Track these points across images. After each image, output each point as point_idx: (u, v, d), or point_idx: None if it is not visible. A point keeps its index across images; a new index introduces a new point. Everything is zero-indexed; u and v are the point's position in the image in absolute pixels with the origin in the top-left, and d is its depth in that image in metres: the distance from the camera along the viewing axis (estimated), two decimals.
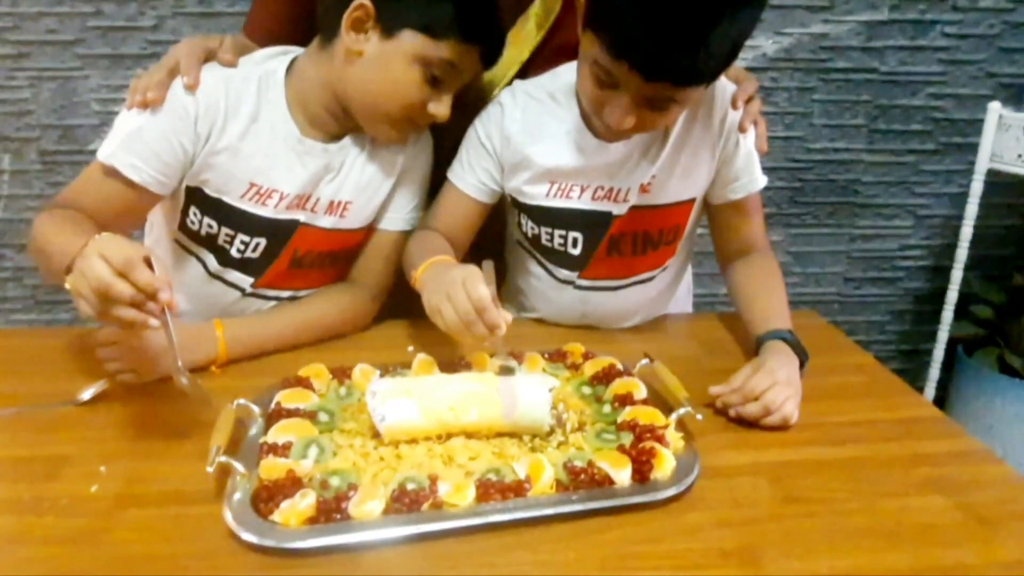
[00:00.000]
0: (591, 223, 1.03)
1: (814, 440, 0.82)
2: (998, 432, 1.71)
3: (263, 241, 1.01)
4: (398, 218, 1.08)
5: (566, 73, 1.00)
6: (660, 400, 0.86)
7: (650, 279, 1.10)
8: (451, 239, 1.04)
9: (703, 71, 0.83)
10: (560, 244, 1.05)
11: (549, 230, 1.05)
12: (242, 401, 0.81)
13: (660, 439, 0.76)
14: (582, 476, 0.70)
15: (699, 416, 0.79)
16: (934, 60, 1.78)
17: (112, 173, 0.93)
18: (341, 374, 0.90)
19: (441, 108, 0.96)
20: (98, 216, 0.91)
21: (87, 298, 0.72)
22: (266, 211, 0.99)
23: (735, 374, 0.87)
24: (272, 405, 0.82)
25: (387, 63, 0.93)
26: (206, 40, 0.99)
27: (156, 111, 0.93)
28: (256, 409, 0.81)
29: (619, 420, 0.81)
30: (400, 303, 1.17)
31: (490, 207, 1.08)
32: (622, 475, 0.71)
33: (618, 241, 1.04)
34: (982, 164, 1.62)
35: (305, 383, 0.86)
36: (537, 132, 1.01)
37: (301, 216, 1.01)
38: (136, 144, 0.92)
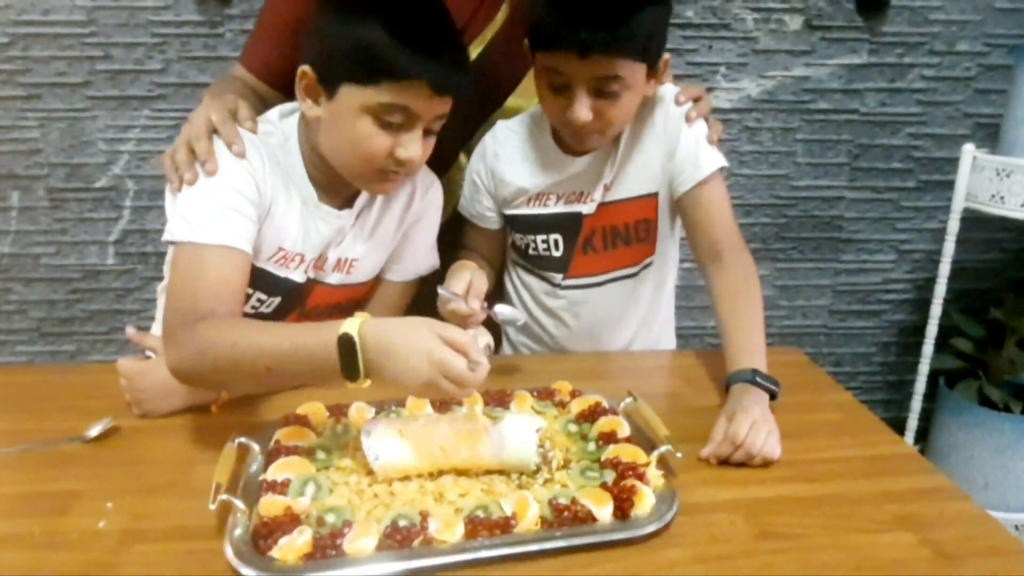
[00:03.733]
0: (565, 223, 1.15)
1: (790, 477, 0.86)
2: (979, 463, 1.74)
3: (278, 300, 1.04)
4: (406, 270, 1.13)
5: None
6: (643, 437, 0.89)
7: (630, 276, 1.18)
8: (482, 258, 1.20)
9: (623, 40, 0.95)
10: (544, 248, 1.17)
11: (533, 237, 1.18)
12: (243, 439, 0.84)
13: (641, 477, 0.79)
14: (566, 513, 0.74)
15: (679, 454, 0.83)
16: (912, 101, 1.85)
17: (221, 251, 0.89)
18: (338, 412, 0.93)
19: (409, 151, 0.93)
20: (236, 301, 0.90)
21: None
22: (287, 273, 1.02)
23: (715, 428, 0.90)
24: (271, 443, 0.85)
25: (339, 123, 0.93)
26: (225, 102, 0.99)
27: (227, 179, 0.92)
28: (256, 446, 0.85)
29: (603, 458, 0.84)
30: None
31: (503, 229, 1.22)
32: (604, 512, 0.74)
33: (591, 238, 1.16)
34: (958, 204, 1.67)
35: (303, 421, 0.90)
36: (517, 159, 1.16)
37: (313, 275, 1.05)
38: (227, 214, 0.91)
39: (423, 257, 1.15)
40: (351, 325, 0.76)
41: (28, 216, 1.73)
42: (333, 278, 1.07)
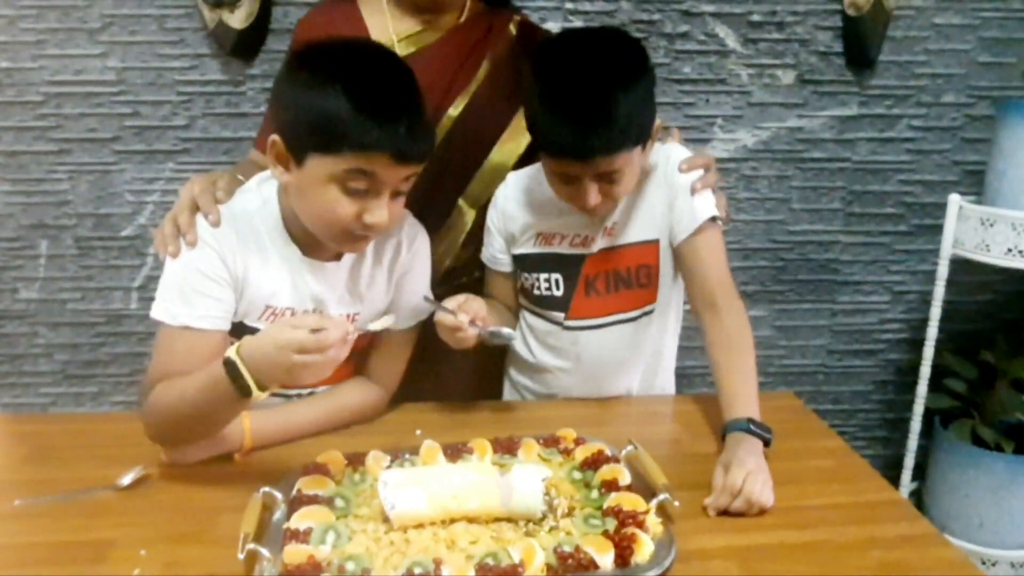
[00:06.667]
0: (566, 263, 1.22)
1: (782, 524, 0.91)
2: (974, 501, 1.78)
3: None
4: (404, 319, 1.16)
5: None
6: (643, 485, 0.94)
7: (632, 319, 1.23)
8: (502, 304, 1.29)
9: (619, 138, 1.05)
10: (546, 288, 1.24)
11: (536, 276, 1.25)
12: (267, 489, 0.90)
13: (640, 525, 0.84)
14: (570, 561, 0.79)
15: (676, 503, 0.88)
16: (902, 150, 1.92)
17: (185, 331, 0.99)
18: (355, 461, 0.98)
19: (375, 217, 0.96)
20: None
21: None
22: None
23: (713, 478, 0.95)
24: (293, 492, 0.91)
25: (308, 190, 0.97)
26: (211, 176, 1.09)
27: (193, 260, 1.00)
28: (279, 495, 0.90)
29: (605, 506, 0.89)
30: (409, 388, 1.28)
31: (516, 272, 1.29)
32: (606, 559, 0.79)
33: (593, 281, 1.22)
34: (946, 251, 1.73)
35: (323, 470, 0.95)
36: (526, 201, 1.24)
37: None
38: (192, 297, 0.99)
39: (419, 303, 1.18)
40: (231, 350, 0.88)
41: (56, 263, 1.81)
42: None
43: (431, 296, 1.14)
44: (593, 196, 1.09)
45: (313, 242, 1.05)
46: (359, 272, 1.12)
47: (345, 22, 1.28)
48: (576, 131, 1.03)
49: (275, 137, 0.97)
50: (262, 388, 0.88)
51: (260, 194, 1.07)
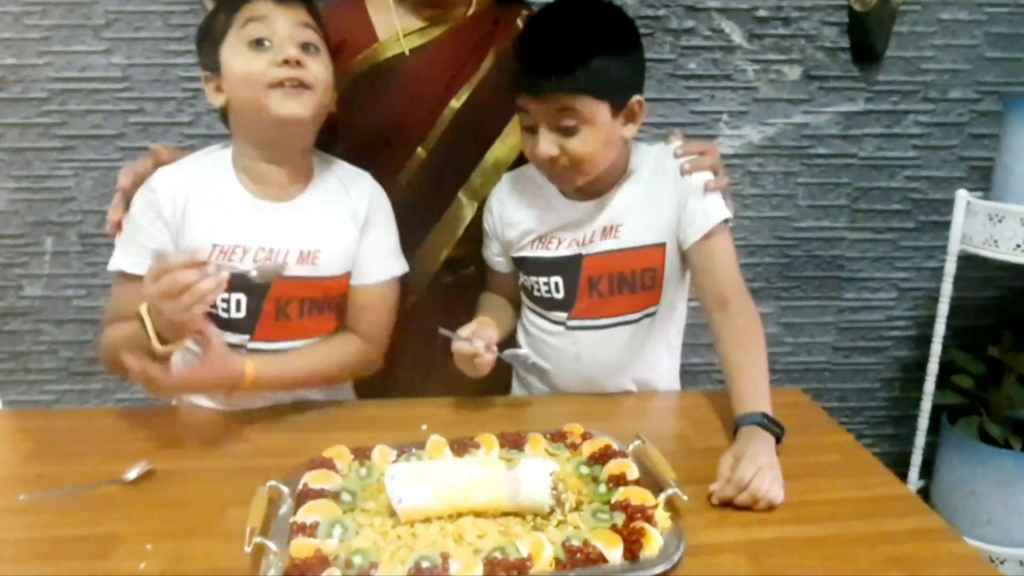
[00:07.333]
0: (566, 266, 1.21)
1: (791, 519, 0.90)
2: (981, 498, 1.77)
3: (242, 297, 1.11)
4: (374, 272, 1.20)
5: None
6: (651, 479, 0.93)
7: (635, 321, 1.22)
8: (503, 297, 1.31)
9: (576, 79, 1.05)
10: (547, 291, 1.23)
11: (536, 279, 1.23)
12: (273, 483, 0.89)
13: (649, 519, 0.84)
14: (578, 555, 0.78)
15: (685, 497, 0.88)
16: (908, 146, 1.91)
17: (125, 277, 1.10)
18: (362, 455, 0.98)
19: (284, 53, 1.05)
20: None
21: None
22: (237, 267, 1.08)
23: (721, 461, 0.95)
24: (300, 486, 0.90)
25: (231, 81, 1.08)
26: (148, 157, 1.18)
27: (132, 210, 1.11)
28: (286, 489, 0.90)
29: (613, 500, 0.88)
30: (415, 383, 1.27)
31: (515, 272, 1.29)
32: (614, 554, 0.79)
33: (596, 282, 1.21)
34: (954, 247, 1.73)
35: (329, 464, 0.95)
36: (524, 203, 1.24)
37: None
38: (127, 246, 1.11)
39: (387, 259, 1.22)
40: (143, 307, 0.98)
41: (61, 261, 1.81)
42: (300, 271, 1.13)
43: (447, 331, 1.14)
44: (546, 144, 1.09)
45: (264, 182, 1.13)
46: (312, 213, 1.15)
47: (351, 20, 1.29)
48: (535, 63, 1.07)
49: (204, 74, 1.11)
50: (163, 342, 0.98)
51: (209, 152, 1.17)
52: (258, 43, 1.06)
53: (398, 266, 1.23)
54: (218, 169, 1.14)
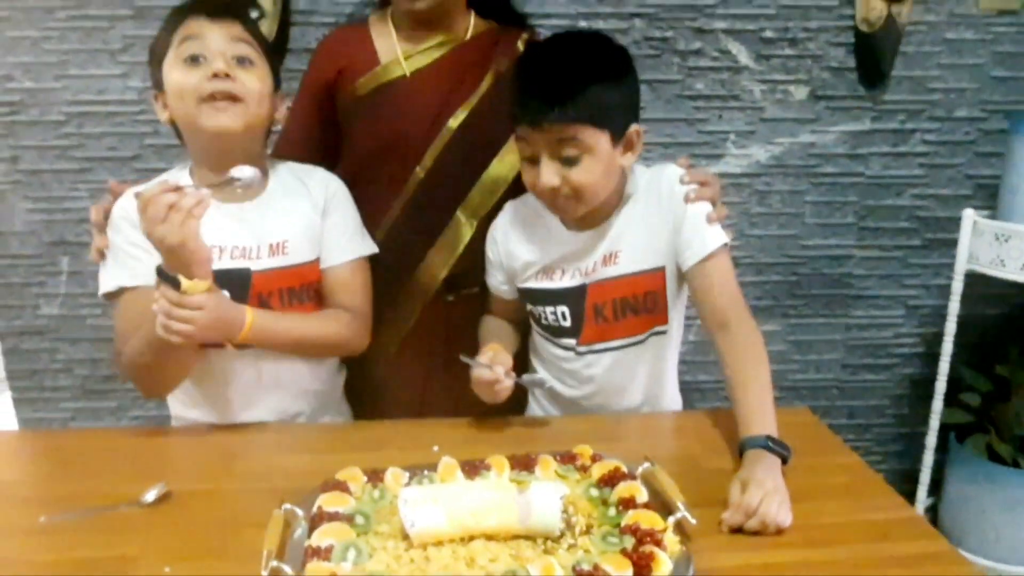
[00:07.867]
0: (570, 295, 1.23)
1: (798, 542, 0.91)
2: (989, 517, 1.76)
3: (224, 293, 1.13)
4: (339, 251, 1.25)
5: None
6: (660, 502, 0.94)
7: (642, 341, 1.25)
8: (505, 320, 1.34)
9: (575, 109, 1.07)
10: (554, 319, 1.25)
11: (543, 308, 1.26)
12: (288, 506, 0.91)
13: (658, 543, 0.84)
14: None
15: (693, 520, 0.89)
16: (915, 164, 1.92)
17: (123, 292, 1.15)
18: (375, 477, 1.00)
19: (214, 66, 1.10)
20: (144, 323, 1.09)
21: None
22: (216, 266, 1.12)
23: (730, 489, 0.95)
24: (314, 509, 0.92)
25: (172, 95, 1.13)
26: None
27: (112, 237, 1.17)
28: (300, 512, 0.91)
29: (622, 523, 0.90)
30: (425, 403, 1.29)
31: (518, 298, 1.31)
32: None
33: (601, 308, 1.23)
34: (961, 266, 1.73)
35: (343, 487, 0.96)
36: (525, 236, 1.26)
37: (250, 265, 1.18)
38: (115, 269, 1.16)
39: (351, 240, 1.26)
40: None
41: (76, 280, 1.84)
42: (273, 262, 1.19)
43: (468, 358, 1.18)
44: (548, 174, 1.11)
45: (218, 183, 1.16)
46: (275, 208, 1.21)
47: (355, 44, 1.33)
48: (535, 94, 1.09)
49: (154, 92, 1.17)
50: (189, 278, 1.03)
51: (169, 173, 1.23)
52: (193, 59, 1.11)
53: (364, 246, 1.28)
54: (180, 178, 1.19)
